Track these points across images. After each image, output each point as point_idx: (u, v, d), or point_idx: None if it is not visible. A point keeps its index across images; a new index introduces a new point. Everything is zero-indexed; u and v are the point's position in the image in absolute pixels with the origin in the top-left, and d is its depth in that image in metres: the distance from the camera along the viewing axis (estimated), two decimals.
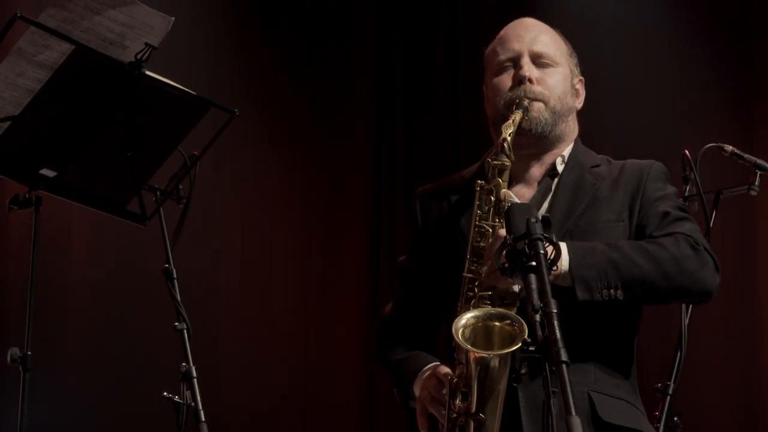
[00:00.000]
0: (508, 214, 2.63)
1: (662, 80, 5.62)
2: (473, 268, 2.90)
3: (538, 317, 2.40)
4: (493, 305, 2.85)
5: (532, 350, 2.45)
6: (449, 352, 2.96)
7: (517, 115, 2.98)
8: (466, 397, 2.79)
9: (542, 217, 2.56)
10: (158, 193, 3.20)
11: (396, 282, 3.25)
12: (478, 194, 2.95)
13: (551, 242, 2.52)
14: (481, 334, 2.79)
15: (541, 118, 3.03)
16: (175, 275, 3.13)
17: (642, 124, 5.59)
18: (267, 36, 5.95)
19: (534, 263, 2.48)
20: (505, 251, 2.54)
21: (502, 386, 2.75)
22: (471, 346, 2.75)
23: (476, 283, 2.89)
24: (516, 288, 2.84)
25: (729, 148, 3.78)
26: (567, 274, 2.83)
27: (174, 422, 3.04)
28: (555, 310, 2.39)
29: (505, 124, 2.96)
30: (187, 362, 3.05)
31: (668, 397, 3.66)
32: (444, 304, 3.05)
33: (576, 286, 2.83)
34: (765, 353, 5.35)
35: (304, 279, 5.91)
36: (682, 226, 2.96)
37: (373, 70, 6.14)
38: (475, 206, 2.95)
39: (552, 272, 2.59)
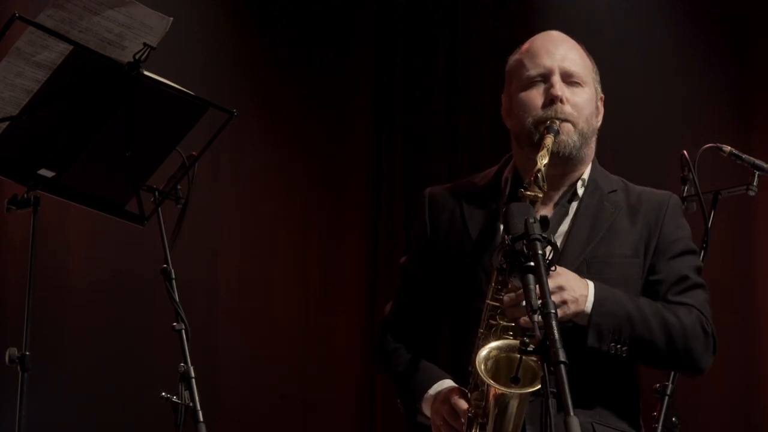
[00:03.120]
0: (507, 213, 2.63)
1: (661, 81, 5.63)
2: (498, 296, 2.86)
3: (536, 318, 2.40)
4: (515, 337, 2.81)
5: (530, 350, 2.45)
6: (453, 363, 2.97)
7: (549, 141, 2.92)
8: (483, 428, 2.78)
9: (540, 217, 2.56)
10: (157, 193, 3.20)
11: (398, 283, 3.23)
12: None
13: (549, 243, 2.52)
14: (504, 366, 2.77)
15: (569, 141, 2.99)
16: (173, 275, 3.13)
17: (641, 125, 5.59)
18: (266, 36, 5.95)
19: (532, 263, 2.48)
20: (503, 251, 2.54)
21: (520, 421, 2.75)
22: (492, 379, 2.73)
23: (498, 311, 2.85)
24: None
25: (727, 148, 3.78)
26: (585, 315, 2.85)
27: (172, 422, 3.04)
28: (553, 311, 2.39)
29: (540, 153, 2.89)
30: (186, 362, 3.05)
31: (667, 398, 3.66)
32: (448, 313, 3.05)
33: (589, 331, 2.85)
34: (763, 354, 5.35)
35: (302, 279, 5.91)
36: (697, 297, 3.00)
37: (373, 71, 6.13)
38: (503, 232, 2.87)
39: (567, 310, 2.71)
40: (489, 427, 2.76)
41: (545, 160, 2.87)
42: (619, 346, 2.87)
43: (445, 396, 2.93)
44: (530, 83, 3.04)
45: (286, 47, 5.98)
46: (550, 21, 5.78)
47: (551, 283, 2.71)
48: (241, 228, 5.81)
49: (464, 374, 2.90)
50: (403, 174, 6.06)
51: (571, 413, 2.28)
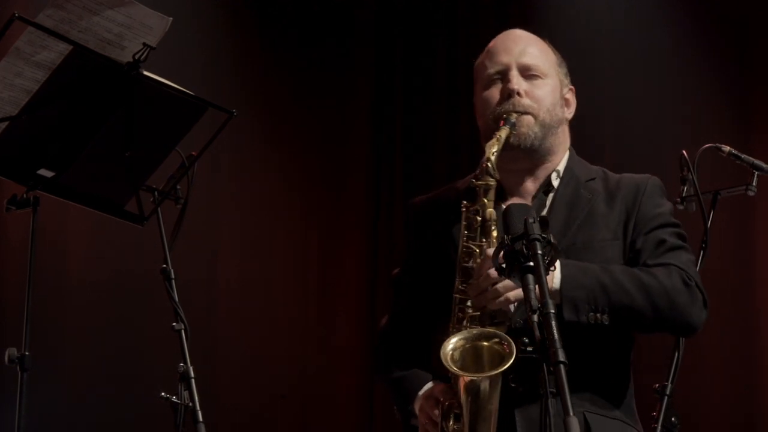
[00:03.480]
0: (506, 214, 2.63)
1: (661, 81, 5.63)
2: (462, 288, 2.90)
3: (535, 318, 2.40)
4: (483, 325, 2.84)
5: (530, 350, 2.45)
6: (446, 371, 2.97)
7: (503, 132, 2.96)
8: (458, 418, 2.81)
9: (540, 217, 2.56)
10: (156, 193, 3.20)
11: (392, 294, 3.26)
12: (464, 215, 2.95)
13: (549, 243, 2.52)
14: (470, 355, 2.80)
15: (530, 132, 3.01)
16: (173, 276, 3.13)
17: (640, 125, 5.60)
18: (265, 36, 5.95)
19: (532, 263, 2.49)
20: (502, 252, 2.54)
21: (494, 406, 2.77)
22: (460, 369, 2.76)
23: (467, 303, 2.88)
24: (509, 307, 2.84)
25: (726, 148, 3.78)
26: (557, 292, 2.84)
27: (172, 422, 3.04)
28: (552, 311, 2.40)
29: (489, 142, 2.94)
30: (185, 362, 3.05)
31: (666, 398, 3.66)
32: (438, 318, 3.05)
33: (564, 306, 2.83)
34: (763, 353, 5.35)
35: (302, 280, 5.92)
36: (677, 257, 2.97)
37: (373, 71, 6.14)
38: (462, 226, 2.95)
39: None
40: (464, 416, 2.78)
41: (494, 148, 2.91)
42: (598, 315, 2.85)
43: (429, 392, 2.96)
44: (490, 81, 3.09)
45: (285, 47, 5.98)
46: (550, 21, 5.79)
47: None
48: (240, 228, 5.81)
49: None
50: (403, 174, 6.06)
51: (571, 413, 2.28)
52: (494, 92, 3.07)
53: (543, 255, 2.49)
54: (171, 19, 2.99)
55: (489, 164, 2.91)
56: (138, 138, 3.07)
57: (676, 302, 2.91)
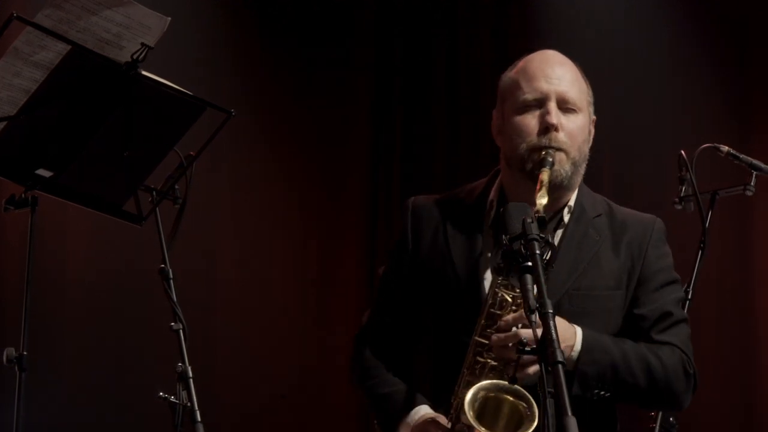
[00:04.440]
0: (505, 213, 2.63)
1: (660, 81, 5.63)
2: (486, 333, 2.85)
3: (534, 317, 2.40)
4: (500, 376, 2.81)
5: (528, 350, 2.45)
6: (434, 392, 2.98)
7: (546, 176, 2.87)
8: None
9: (538, 217, 2.56)
10: (154, 193, 3.20)
11: (375, 293, 3.23)
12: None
13: (547, 242, 2.52)
14: (491, 406, 2.77)
15: (561, 171, 2.95)
16: (171, 275, 3.13)
17: (639, 125, 5.60)
18: (264, 37, 5.95)
19: (530, 263, 2.48)
20: (501, 251, 2.54)
21: None
22: (478, 419, 2.74)
23: (486, 348, 2.85)
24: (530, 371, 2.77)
25: (725, 148, 3.78)
26: (572, 363, 2.85)
27: (170, 422, 3.04)
28: (551, 311, 2.39)
29: (539, 193, 2.82)
30: (184, 362, 3.05)
31: None
32: (424, 331, 3.05)
33: (575, 380, 2.86)
34: (761, 353, 5.35)
35: (300, 279, 5.91)
36: (680, 335, 3.01)
37: (372, 72, 6.13)
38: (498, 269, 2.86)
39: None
40: None
41: (544, 200, 2.80)
42: (602, 393, 2.90)
43: (423, 428, 2.92)
44: (525, 107, 2.99)
45: (284, 47, 5.97)
46: (550, 22, 5.79)
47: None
48: (239, 228, 5.80)
49: (445, 403, 2.90)
50: (402, 175, 6.06)
51: (569, 413, 2.28)
52: (530, 120, 2.98)
53: (541, 255, 2.49)
54: (169, 18, 2.99)
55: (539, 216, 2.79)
56: (136, 138, 3.06)
57: (674, 390, 2.98)
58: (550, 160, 2.92)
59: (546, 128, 2.95)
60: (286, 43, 5.97)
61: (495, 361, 2.83)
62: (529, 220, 2.53)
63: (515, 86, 3.03)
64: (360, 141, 6.09)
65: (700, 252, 3.74)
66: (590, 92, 3.10)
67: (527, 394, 2.75)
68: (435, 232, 3.08)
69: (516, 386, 2.75)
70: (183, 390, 3.04)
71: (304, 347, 5.85)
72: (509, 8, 6.00)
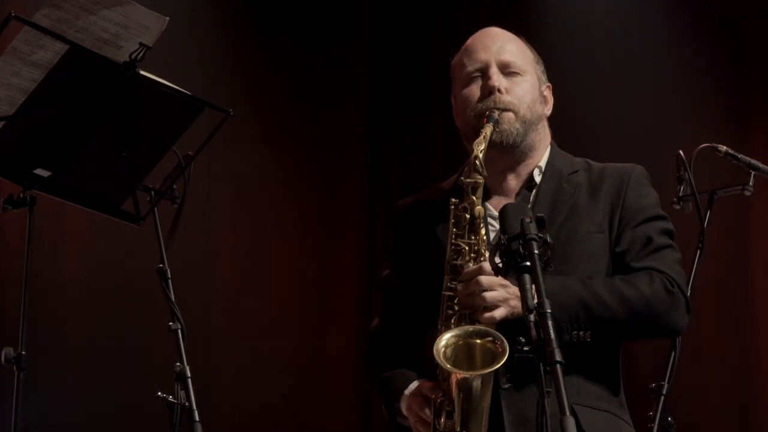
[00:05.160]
0: (503, 213, 2.63)
1: (658, 81, 5.63)
2: (451, 285, 2.90)
3: (532, 317, 2.41)
4: (473, 323, 2.85)
5: (526, 350, 2.45)
6: (433, 368, 2.97)
7: (488, 129, 2.95)
8: (450, 415, 2.81)
9: (537, 217, 2.57)
10: (153, 193, 3.20)
11: (381, 297, 3.27)
12: (453, 212, 2.95)
13: (546, 242, 2.52)
14: (463, 352, 2.81)
15: (512, 129, 3.01)
16: (169, 275, 3.13)
17: (637, 125, 5.60)
18: (263, 37, 5.95)
19: (528, 263, 2.49)
20: (499, 251, 2.54)
21: (486, 403, 2.78)
22: (452, 365, 2.77)
23: (455, 301, 2.89)
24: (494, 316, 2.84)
25: (723, 148, 3.78)
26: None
27: (168, 422, 3.04)
28: (549, 310, 2.40)
29: (476, 140, 2.93)
30: (182, 362, 3.05)
31: (662, 397, 3.67)
32: (426, 318, 3.05)
33: None
34: (759, 353, 5.36)
35: (299, 279, 5.91)
36: (662, 259, 2.97)
37: (371, 73, 6.14)
38: (450, 224, 2.94)
39: (514, 309, 2.75)
40: (456, 413, 2.79)
41: (482, 146, 2.91)
42: (580, 333, 2.87)
43: (416, 390, 2.96)
44: (469, 79, 3.08)
45: (283, 47, 5.97)
46: (549, 22, 5.80)
47: (495, 282, 2.78)
48: (237, 228, 5.81)
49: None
50: (401, 175, 6.06)
51: (567, 413, 2.28)
52: (474, 90, 3.06)
53: (540, 254, 2.50)
54: (168, 18, 2.99)
55: (477, 162, 2.91)
56: (135, 137, 3.06)
57: (658, 311, 2.92)
58: (495, 117, 2.98)
59: (489, 92, 3.03)
60: (285, 43, 5.98)
61: (464, 310, 2.87)
62: (527, 220, 2.53)
63: (459, 64, 3.13)
64: (359, 141, 6.09)
65: (698, 252, 3.73)
66: (538, 59, 3.16)
67: (493, 330, 2.79)
68: (423, 223, 3.12)
69: (478, 327, 2.80)
70: (181, 390, 3.04)
71: (302, 347, 5.85)
72: (508, 9, 6.01)
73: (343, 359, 5.87)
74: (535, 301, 2.43)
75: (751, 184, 3.80)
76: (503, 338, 2.74)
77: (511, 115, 3.02)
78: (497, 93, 3.02)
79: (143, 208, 3.22)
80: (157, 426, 3.26)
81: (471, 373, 2.76)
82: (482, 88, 3.05)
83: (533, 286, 2.46)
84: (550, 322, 2.38)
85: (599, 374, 2.97)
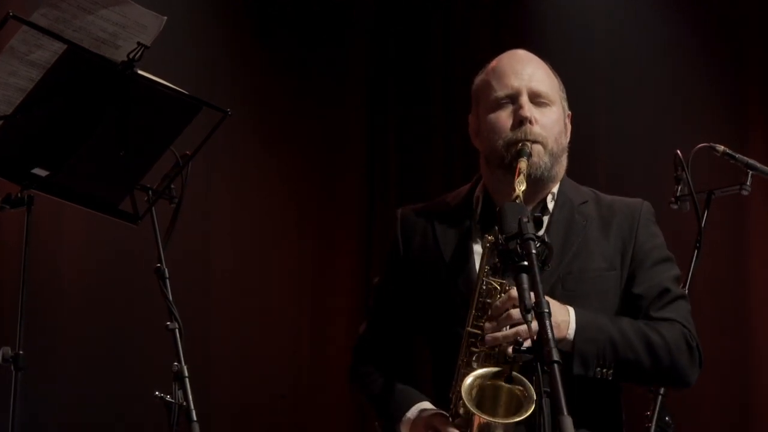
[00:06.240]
0: (500, 213, 2.63)
1: (656, 81, 5.63)
2: (478, 324, 2.87)
3: (530, 317, 2.41)
4: (497, 363, 2.83)
5: (524, 349, 2.46)
6: (434, 388, 2.98)
7: (524, 165, 2.92)
8: None
9: (534, 216, 2.57)
10: (150, 192, 3.20)
11: (371, 302, 3.25)
12: (487, 249, 2.89)
13: (543, 242, 2.52)
14: (488, 394, 2.79)
15: (540, 162, 2.99)
16: (167, 275, 3.13)
17: (635, 125, 5.60)
18: (261, 37, 5.95)
19: (526, 263, 2.49)
20: (496, 251, 2.55)
21: None
22: (477, 407, 2.75)
23: (479, 338, 2.86)
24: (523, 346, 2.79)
25: (721, 148, 3.79)
26: (569, 343, 2.85)
27: (166, 422, 3.04)
28: (547, 310, 2.40)
29: (517, 180, 2.88)
30: (179, 362, 3.05)
31: (660, 397, 3.67)
32: (425, 337, 3.06)
33: (574, 359, 2.86)
34: (757, 353, 5.36)
35: (297, 280, 5.91)
36: (680, 310, 3.01)
37: (368, 74, 6.13)
38: (483, 261, 2.90)
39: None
40: None
41: (523, 186, 2.86)
42: (604, 370, 2.89)
43: (426, 421, 2.93)
44: (498, 104, 3.03)
45: (281, 47, 5.97)
46: (548, 22, 5.79)
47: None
48: (235, 227, 5.80)
49: (444, 398, 2.91)
50: (398, 177, 6.06)
51: (565, 412, 2.28)
52: (503, 117, 3.02)
53: (537, 254, 2.50)
54: (165, 18, 2.99)
55: (518, 201, 2.83)
56: (132, 137, 3.06)
57: (678, 363, 2.98)
58: (528, 150, 2.95)
59: (520, 121, 2.99)
60: (283, 43, 5.97)
61: (489, 350, 2.84)
62: (525, 220, 2.54)
63: (487, 86, 3.07)
64: (356, 142, 6.09)
65: (696, 251, 3.74)
66: (562, 87, 3.13)
67: (522, 377, 2.77)
68: (424, 234, 3.11)
69: (513, 372, 2.77)
70: (179, 389, 3.04)
71: (300, 347, 5.85)
72: (507, 9, 6.01)
73: (343, 359, 5.84)
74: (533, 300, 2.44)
75: (748, 183, 3.80)
76: (531, 386, 2.73)
77: (540, 147, 2.99)
78: (528, 124, 2.99)
79: (141, 207, 3.21)
80: (154, 425, 3.26)
81: (497, 420, 2.74)
82: (514, 117, 3.00)
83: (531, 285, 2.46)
84: (548, 322, 2.38)
85: (602, 412, 3.00)
